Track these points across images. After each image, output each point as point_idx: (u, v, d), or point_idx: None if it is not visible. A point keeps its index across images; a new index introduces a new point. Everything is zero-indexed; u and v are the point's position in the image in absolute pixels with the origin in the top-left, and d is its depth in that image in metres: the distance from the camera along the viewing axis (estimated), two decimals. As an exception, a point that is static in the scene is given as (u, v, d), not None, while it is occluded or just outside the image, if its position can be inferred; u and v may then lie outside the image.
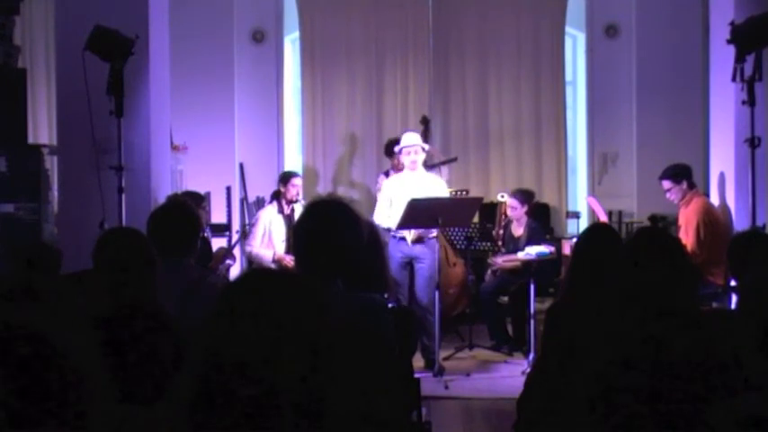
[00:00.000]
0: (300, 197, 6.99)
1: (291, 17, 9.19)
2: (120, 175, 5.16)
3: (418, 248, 6.41)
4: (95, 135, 5.10)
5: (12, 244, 5.68)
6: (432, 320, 6.25)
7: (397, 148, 6.78)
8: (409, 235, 6.40)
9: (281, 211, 6.96)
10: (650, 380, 2.13)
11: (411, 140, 6.54)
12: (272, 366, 1.52)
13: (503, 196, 7.20)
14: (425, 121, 8.05)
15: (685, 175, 6.27)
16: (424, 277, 6.36)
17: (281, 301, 1.63)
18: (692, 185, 6.27)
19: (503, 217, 7.12)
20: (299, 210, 6.81)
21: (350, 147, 9.08)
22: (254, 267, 6.78)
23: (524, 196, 7.04)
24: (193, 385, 1.54)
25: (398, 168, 7.44)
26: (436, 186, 6.58)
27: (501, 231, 7.16)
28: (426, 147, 6.75)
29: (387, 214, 6.51)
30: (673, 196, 6.29)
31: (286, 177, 7.06)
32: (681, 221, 6.27)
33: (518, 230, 7.02)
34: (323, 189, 8.89)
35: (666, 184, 6.28)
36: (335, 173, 9.08)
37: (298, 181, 7.01)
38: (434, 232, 6.36)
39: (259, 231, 6.96)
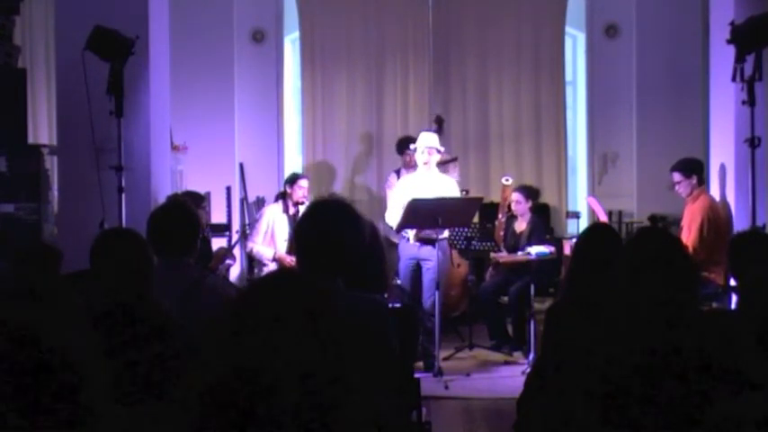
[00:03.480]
0: (306, 199, 6.98)
1: (291, 17, 9.18)
2: (120, 175, 5.16)
3: (426, 250, 6.37)
4: (95, 135, 5.10)
5: (12, 244, 5.68)
6: (433, 322, 6.25)
7: (412, 146, 6.77)
8: (412, 234, 6.39)
9: (285, 210, 6.97)
10: (650, 380, 2.13)
11: (427, 141, 6.52)
12: (275, 366, 1.52)
13: (507, 180, 7.18)
14: (440, 121, 8.00)
15: (696, 170, 6.25)
16: (429, 280, 6.33)
17: (284, 303, 1.63)
18: (701, 182, 6.25)
19: (506, 202, 7.09)
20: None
21: (350, 147, 9.07)
22: (261, 273, 6.81)
23: (529, 192, 7.06)
24: (198, 386, 1.54)
25: (410, 166, 7.41)
26: (448, 187, 6.56)
27: (503, 219, 7.13)
28: (442, 149, 6.74)
29: (398, 215, 6.47)
30: (681, 190, 6.25)
31: (293, 179, 7.06)
32: (685, 217, 6.25)
33: (521, 226, 7.02)
34: (323, 189, 8.88)
35: (677, 176, 6.25)
36: (336, 173, 9.08)
37: (304, 183, 7.01)
38: (445, 234, 6.32)
39: (262, 228, 6.97)
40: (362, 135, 9.05)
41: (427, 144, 6.49)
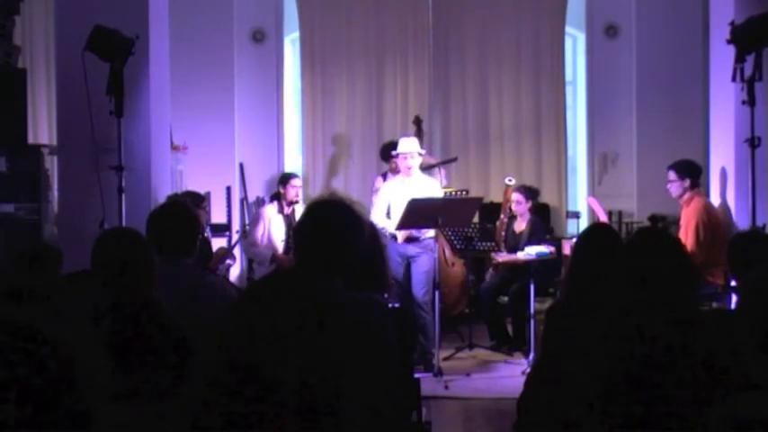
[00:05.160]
0: (300, 198, 7.01)
1: (291, 17, 9.19)
2: (120, 175, 5.16)
3: (413, 248, 6.43)
4: (95, 135, 5.10)
5: (12, 244, 5.68)
6: (428, 319, 6.28)
7: (394, 153, 6.80)
8: (400, 234, 6.42)
9: (280, 210, 6.98)
10: (650, 380, 2.13)
11: (408, 147, 6.55)
12: (278, 366, 1.53)
13: (510, 180, 7.20)
14: (418, 122, 8.04)
15: (691, 173, 6.26)
16: (419, 274, 6.39)
17: (286, 304, 1.64)
18: (694, 185, 6.26)
19: (508, 203, 7.10)
20: (299, 210, 6.84)
21: (350, 147, 9.08)
22: (261, 273, 6.81)
23: (529, 192, 7.06)
24: (202, 385, 1.55)
25: (396, 171, 7.46)
26: (431, 189, 6.60)
27: (505, 220, 7.14)
28: (423, 152, 6.78)
29: (384, 215, 6.53)
30: (672, 189, 6.29)
31: (285, 179, 7.09)
32: (681, 220, 6.28)
33: (521, 226, 7.02)
34: (323, 189, 8.88)
35: (671, 175, 6.29)
36: (335, 173, 9.08)
37: (297, 182, 7.04)
38: (431, 232, 6.38)
39: (259, 230, 6.98)
40: (362, 135, 9.05)
41: (408, 149, 6.53)
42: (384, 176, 7.66)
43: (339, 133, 9.06)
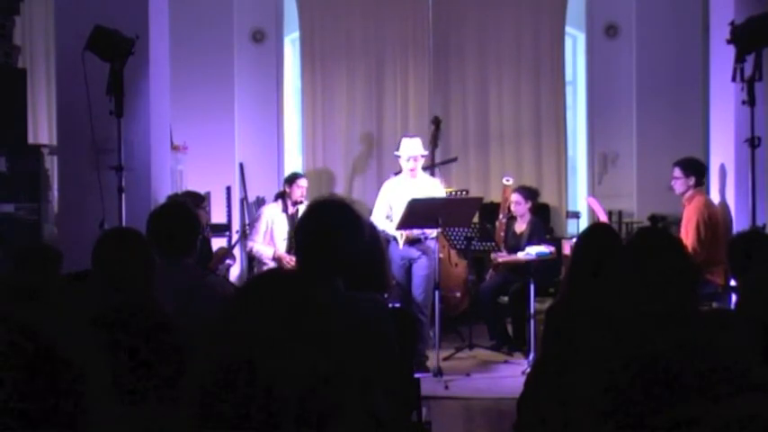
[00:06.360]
0: (305, 198, 7.01)
1: (291, 17, 9.19)
2: (120, 175, 5.16)
3: (414, 250, 6.43)
4: (95, 135, 5.10)
5: (12, 244, 5.68)
6: (424, 321, 6.28)
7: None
8: (401, 238, 6.40)
9: (284, 209, 7.00)
10: (650, 380, 2.13)
11: (412, 150, 6.53)
12: (277, 367, 1.52)
13: (508, 180, 7.20)
14: (437, 122, 8.02)
15: (696, 171, 6.27)
16: (420, 276, 6.40)
17: (285, 303, 1.63)
18: (698, 183, 6.27)
19: (506, 203, 7.10)
20: (303, 210, 6.84)
21: (350, 147, 9.07)
22: (260, 271, 6.82)
23: (529, 192, 7.07)
24: (199, 386, 1.54)
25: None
26: (433, 190, 6.60)
27: (504, 220, 7.14)
28: (426, 153, 6.77)
29: (384, 217, 6.52)
30: (676, 186, 6.29)
31: (291, 179, 7.10)
32: (683, 219, 6.28)
33: (521, 227, 7.03)
34: (323, 189, 8.88)
35: (676, 171, 6.30)
36: (335, 173, 9.08)
37: (303, 182, 7.05)
38: (433, 233, 6.37)
39: (261, 228, 7.00)
40: (362, 135, 9.05)
41: (411, 153, 6.51)
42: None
43: (339, 133, 9.05)
